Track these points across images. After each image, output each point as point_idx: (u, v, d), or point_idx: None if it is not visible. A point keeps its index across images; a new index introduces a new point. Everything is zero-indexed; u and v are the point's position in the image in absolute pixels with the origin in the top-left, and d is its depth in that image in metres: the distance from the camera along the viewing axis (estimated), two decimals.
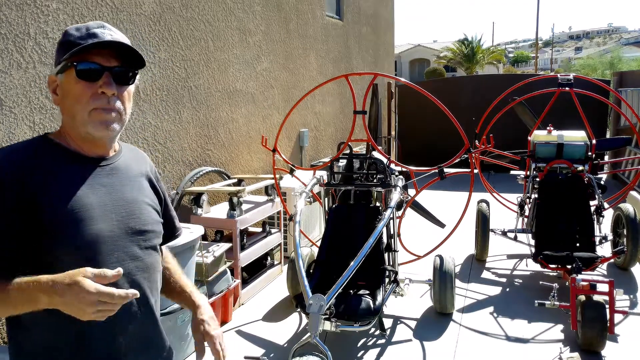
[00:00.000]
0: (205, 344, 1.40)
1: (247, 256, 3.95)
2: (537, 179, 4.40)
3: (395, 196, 3.39)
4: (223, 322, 3.60)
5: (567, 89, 4.60)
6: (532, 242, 4.19)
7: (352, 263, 2.62)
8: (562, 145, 4.42)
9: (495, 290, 4.11)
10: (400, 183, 3.62)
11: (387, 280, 3.32)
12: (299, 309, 3.42)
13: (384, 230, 3.48)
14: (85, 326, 1.09)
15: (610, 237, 4.32)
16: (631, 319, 3.51)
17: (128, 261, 1.19)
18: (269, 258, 4.45)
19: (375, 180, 3.76)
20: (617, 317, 3.47)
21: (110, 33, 1.19)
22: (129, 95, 1.23)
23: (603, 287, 3.19)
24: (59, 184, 1.14)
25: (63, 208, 1.12)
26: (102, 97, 1.16)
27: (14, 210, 1.08)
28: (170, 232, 1.49)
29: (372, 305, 2.99)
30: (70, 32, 1.19)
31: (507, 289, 4.14)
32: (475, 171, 4.08)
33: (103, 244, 1.15)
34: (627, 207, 4.27)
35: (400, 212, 3.87)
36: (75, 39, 1.17)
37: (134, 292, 1.02)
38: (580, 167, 4.40)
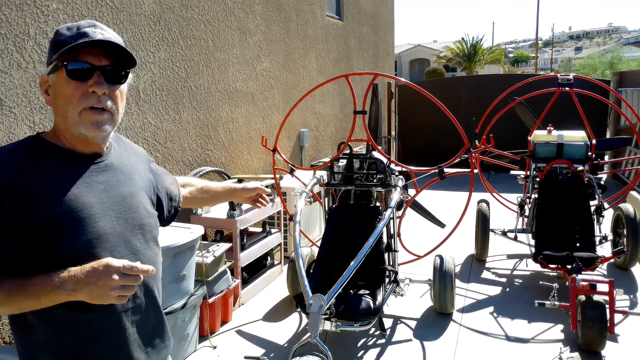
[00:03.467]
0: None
1: (247, 256, 3.95)
2: (537, 179, 4.40)
3: (395, 196, 3.39)
4: (223, 322, 3.60)
5: (567, 89, 4.60)
6: (532, 242, 4.18)
7: (352, 263, 2.62)
8: (562, 145, 4.42)
9: (495, 290, 4.11)
10: (400, 183, 3.62)
11: (387, 280, 3.32)
12: (299, 309, 3.43)
13: (384, 230, 3.48)
14: (93, 321, 1.16)
15: (610, 237, 4.31)
16: (631, 319, 3.51)
17: (130, 256, 1.20)
18: (269, 258, 4.45)
19: (375, 180, 3.76)
20: (617, 317, 3.47)
21: (102, 32, 1.18)
22: (121, 94, 1.23)
23: (603, 287, 3.19)
24: (56, 184, 1.14)
25: (62, 208, 1.12)
26: (92, 96, 1.15)
27: (7, 214, 1.08)
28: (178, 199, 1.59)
29: (372, 305, 2.99)
30: (61, 32, 1.17)
31: (507, 289, 4.14)
32: (475, 171, 4.08)
33: (105, 242, 1.17)
34: (627, 207, 4.27)
35: (400, 212, 3.87)
36: (66, 38, 1.15)
37: (151, 268, 1.07)
38: (580, 167, 4.40)
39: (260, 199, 1.90)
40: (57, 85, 1.16)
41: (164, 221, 1.51)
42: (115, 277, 1.02)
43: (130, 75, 1.25)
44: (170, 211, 1.53)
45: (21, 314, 1.13)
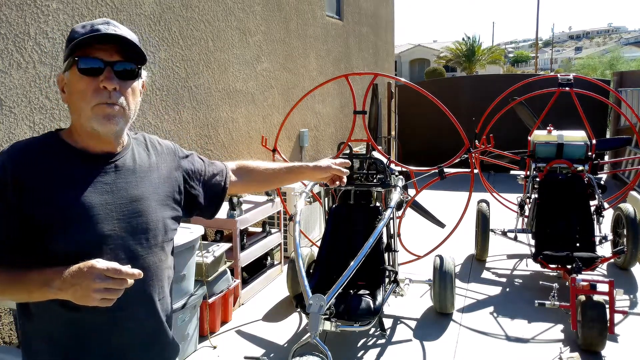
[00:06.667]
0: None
1: (247, 256, 3.95)
2: (537, 179, 4.40)
3: (395, 196, 3.39)
4: (223, 322, 3.60)
5: (567, 89, 4.60)
6: (532, 242, 4.19)
7: (352, 263, 2.61)
8: (562, 145, 4.42)
9: (495, 290, 4.11)
10: (400, 183, 3.62)
11: (387, 280, 3.32)
12: (299, 309, 3.42)
13: (384, 230, 3.48)
14: (84, 322, 1.16)
15: (610, 237, 4.32)
16: (631, 319, 3.51)
17: (127, 260, 1.16)
18: (269, 258, 4.45)
19: (375, 180, 3.75)
20: (617, 317, 3.47)
21: (114, 28, 1.18)
22: (133, 91, 1.21)
23: (603, 287, 3.19)
24: (62, 183, 1.15)
25: (63, 208, 1.12)
26: (103, 91, 1.15)
27: (13, 207, 1.11)
28: (224, 182, 1.53)
29: (372, 305, 2.99)
30: (76, 30, 1.19)
31: (507, 289, 4.14)
32: (475, 171, 4.08)
33: (103, 244, 1.15)
34: (627, 207, 4.27)
35: (400, 212, 3.87)
36: (80, 35, 1.16)
37: (139, 272, 1.05)
38: (580, 167, 4.40)
39: (337, 179, 1.71)
40: (72, 82, 1.17)
41: (208, 214, 1.51)
42: (98, 279, 1.01)
43: (144, 73, 1.25)
44: (211, 205, 1.50)
45: (25, 305, 1.17)
